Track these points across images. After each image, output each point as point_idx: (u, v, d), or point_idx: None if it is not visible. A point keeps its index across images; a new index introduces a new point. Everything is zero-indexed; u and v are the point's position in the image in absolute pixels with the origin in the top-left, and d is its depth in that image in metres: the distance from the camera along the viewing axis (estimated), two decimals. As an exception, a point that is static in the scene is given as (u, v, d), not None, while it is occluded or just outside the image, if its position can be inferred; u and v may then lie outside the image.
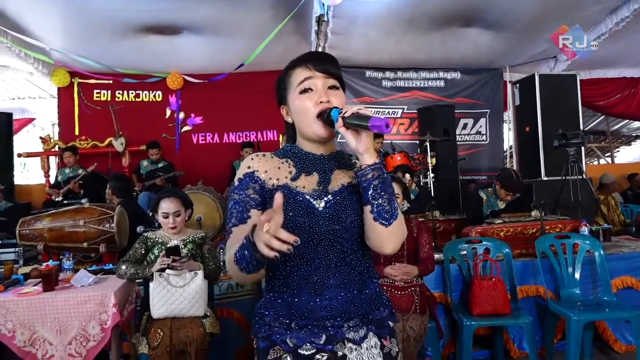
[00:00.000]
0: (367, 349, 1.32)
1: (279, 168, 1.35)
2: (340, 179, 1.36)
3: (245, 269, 1.16)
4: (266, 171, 1.34)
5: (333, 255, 1.31)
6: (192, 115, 8.00)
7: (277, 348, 1.30)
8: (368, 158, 1.26)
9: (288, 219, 1.26)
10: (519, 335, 3.58)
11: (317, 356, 1.29)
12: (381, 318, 1.37)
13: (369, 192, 1.26)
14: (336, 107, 1.27)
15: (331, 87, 1.32)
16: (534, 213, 3.99)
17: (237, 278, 1.25)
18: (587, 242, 3.61)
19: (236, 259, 1.16)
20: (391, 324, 1.40)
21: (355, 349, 1.30)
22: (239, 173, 1.35)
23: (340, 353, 1.29)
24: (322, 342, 1.29)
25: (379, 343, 1.34)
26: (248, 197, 1.31)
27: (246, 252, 1.12)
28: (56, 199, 6.03)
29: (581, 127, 6.00)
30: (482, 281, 3.26)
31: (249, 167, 1.34)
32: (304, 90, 1.31)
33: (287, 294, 1.32)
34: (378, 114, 8.18)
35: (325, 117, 1.27)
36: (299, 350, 1.29)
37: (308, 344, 1.29)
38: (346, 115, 1.23)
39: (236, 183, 1.34)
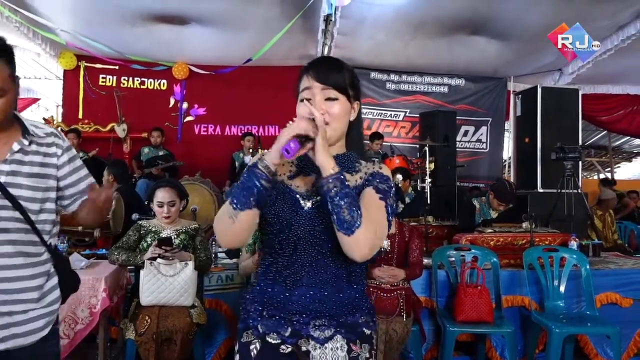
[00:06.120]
0: (331, 349, 1.34)
1: (282, 165, 1.41)
2: None
3: (242, 201, 1.25)
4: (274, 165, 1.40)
5: (311, 255, 1.35)
6: (196, 106, 8.06)
7: (249, 332, 1.38)
8: (325, 171, 1.26)
9: (273, 214, 1.33)
10: (501, 344, 3.63)
11: (282, 346, 1.35)
12: (354, 323, 1.38)
13: (328, 203, 1.25)
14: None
15: (329, 99, 1.35)
16: (525, 224, 4.03)
17: (223, 232, 1.31)
18: (574, 256, 3.65)
19: (232, 197, 1.27)
20: (367, 331, 1.40)
21: (319, 348, 1.34)
22: (252, 162, 1.41)
23: (304, 348, 1.35)
24: (287, 334, 1.34)
25: (346, 347, 1.35)
26: None
27: (249, 178, 1.26)
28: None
29: (580, 142, 6.03)
30: (468, 288, 3.30)
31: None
32: (304, 99, 1.37)
33: (264, 283, 1.40)
34: (380, 115, 8.24)
35: None
36: (267, 338, 1.36)
37: (274, 334, 1.35)
38: None
39: (244, 174, 1.40)
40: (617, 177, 13.61)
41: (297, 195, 1.37)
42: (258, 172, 1.25)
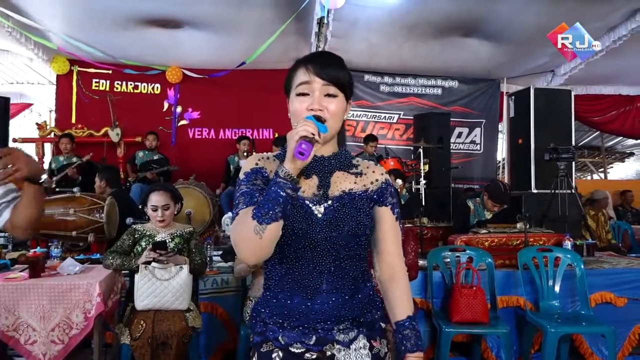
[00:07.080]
0: (355, 349, 1.34)
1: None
2: (340, 183, 1.37)
3: (268, 214, 1.18)
4: (271, 171, 1.35)
5: (328, 261, 1.32)
6: (190, 109, 8.03)
7: (269, 343, 1.35)
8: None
9: (286, 224, 1.25)
10: (497, 344, 3.63)
11: (307, 355, 1.32)
12: (372, 320, 1.39)
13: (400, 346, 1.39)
14: (314, 117, 1.26)
15: (329, 95, 1.32)
16: (519, 225, 4.04)
17: (250, 249, 1.22)
18: (569, 256, 3.67)
19: (256, 211, 1.19)
20: (383, 325, 1.42)
21: (344, 350, 1.34)
22: (245, 168, 1.36)
23: (329, 353, 1.33)
24: (312, 342, 1.32)
25: (368, 344, 1.36)
26: (256, 185, 1.31)
27: (273, 190, 1.19)
28: (48, 187, 6.05)
29: (573, 143, 6.06)
30: (463, 289, 3.31)
31: (256, 164, 1.36)
32: (300, 94, 1.32)
33: (282, 295, 1.35)
34: (374, 118, 8.27)
35: None
36: (290, 348, 1.33)
37: (298, 343, 1.32)
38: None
39: (242, 177, 1.34)
40: (610, 177, 13.71)
41: (307, 202, 1.32)
42: (281, 181, 1.19)
